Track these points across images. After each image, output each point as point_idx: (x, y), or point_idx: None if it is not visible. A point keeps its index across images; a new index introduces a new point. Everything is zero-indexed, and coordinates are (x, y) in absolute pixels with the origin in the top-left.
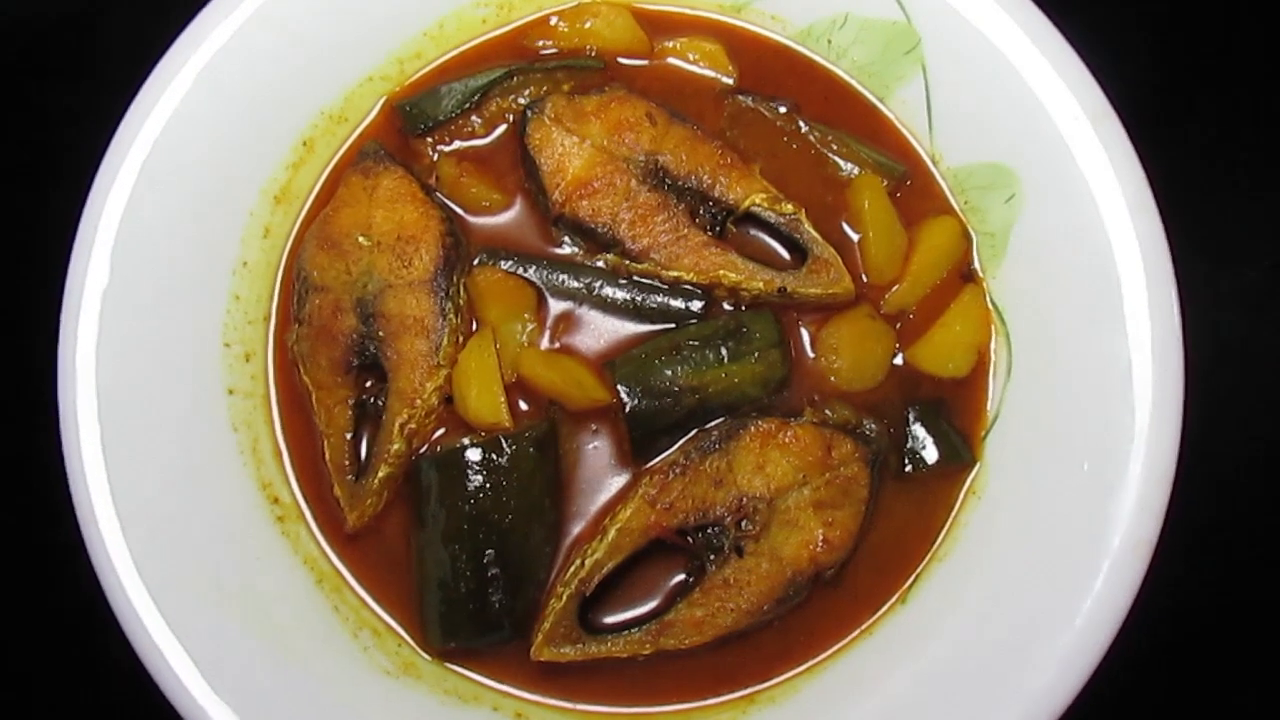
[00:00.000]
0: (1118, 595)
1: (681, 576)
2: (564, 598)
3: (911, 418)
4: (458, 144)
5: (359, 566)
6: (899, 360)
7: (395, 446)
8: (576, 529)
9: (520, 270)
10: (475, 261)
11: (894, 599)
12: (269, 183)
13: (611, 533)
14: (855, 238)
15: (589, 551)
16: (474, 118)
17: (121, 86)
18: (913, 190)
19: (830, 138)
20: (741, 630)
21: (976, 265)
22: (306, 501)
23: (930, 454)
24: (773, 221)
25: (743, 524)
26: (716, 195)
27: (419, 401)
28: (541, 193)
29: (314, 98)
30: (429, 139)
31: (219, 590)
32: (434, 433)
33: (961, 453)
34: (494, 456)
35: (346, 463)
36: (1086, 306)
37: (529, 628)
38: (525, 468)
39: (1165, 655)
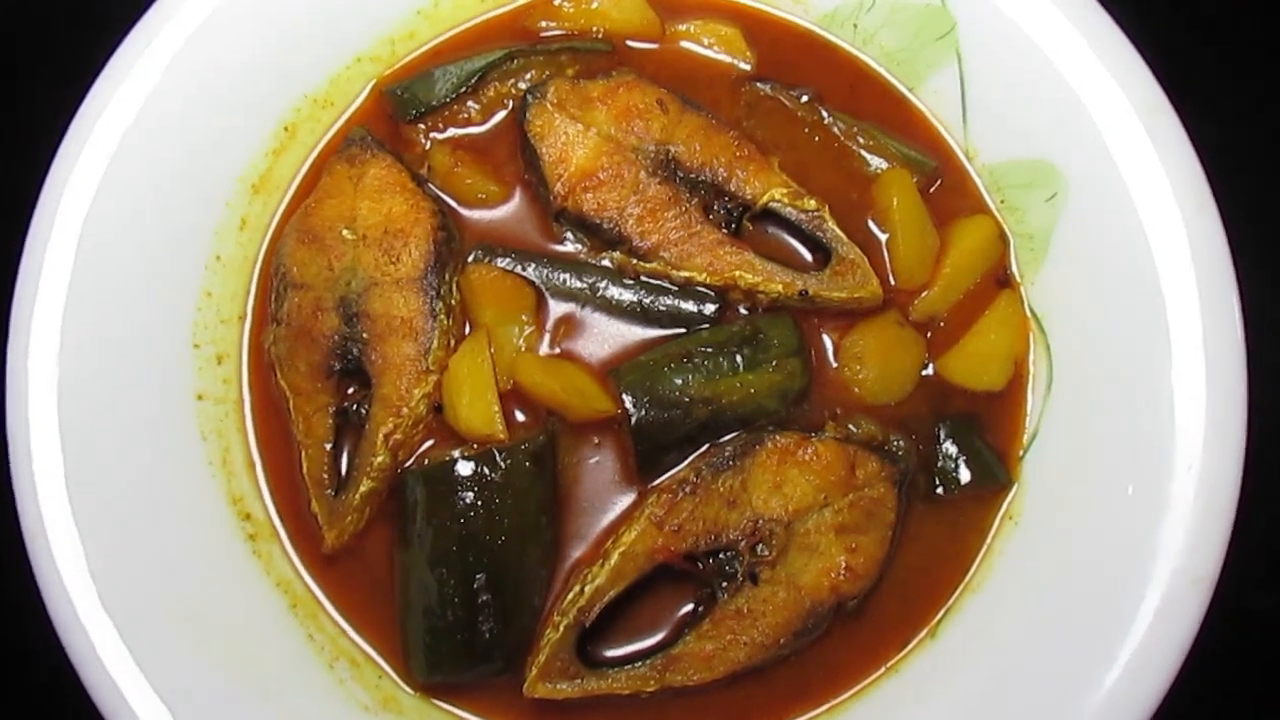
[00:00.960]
0: (1171, 635)
1: (690, 606)
2: (561, 628)
3: (942, 434)
4: (452, 131)
5: (337, 590)
6: (929, 371)
7: (379, 459)
8: (576, 552)
9: (518, 268)
10: (469, 258)
11: (922, 633)
12: (246, 171)
13: (614, 557)
14: (882, 238)
15: (589, 577)
16: (470, 103)
17: (86, 67)
18: (945, 188)
19: (855, 130)
20: (755, 665)
21: (1014, 269)
22: (281, 518)
23: (962, 474)
24: (793, 219)
25: (758, 549)
26: (732, 189)
27: (405, 410)
28: (542, 184)
29: (297, 80)
30: (421, 126)
31: (182, 616)
32: (421, 444)
33: (997, 473)
34: (486, 471)
35: (325, 476)
36: (1135, 316)
37: (522, 660)
38: (520, 484)
39: (1230, 703)
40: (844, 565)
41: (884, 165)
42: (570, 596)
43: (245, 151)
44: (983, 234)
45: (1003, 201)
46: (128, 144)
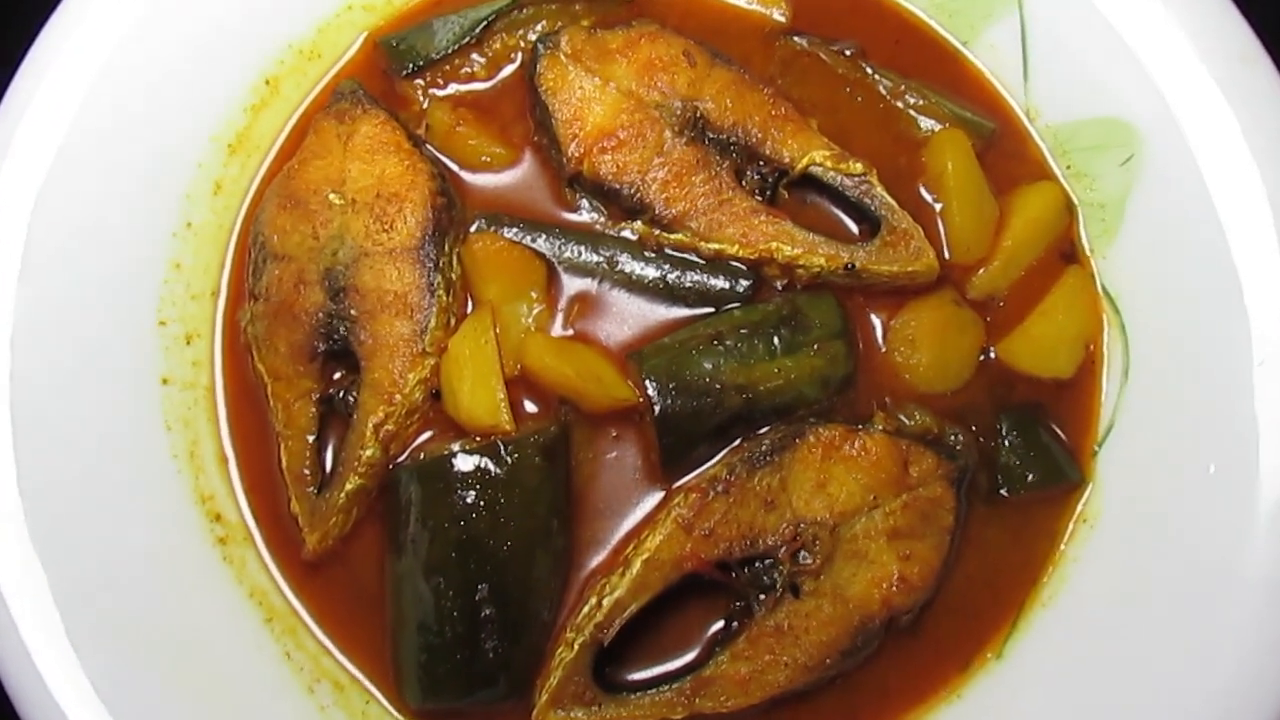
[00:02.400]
0: (1275, 657)
1: (722, 622)
2: (576, 646)
3: (1005, 427)
4: (454, 88)
5: (319, 602)
6: (989, 356)
7: (368, 452)
8: (592, 560)
9: (527, 239)
10: (472, 227)
11: (986, 652)
12: (223, 128)
13: (636, 565)
14: (935, 208)
15: (607, 588)
16: (474, 56)
17: (39, 4)
18: (1004, 152)
19: (903, 88)
20: (797, 689)
21: (1083, 242)
22: (256, 520)
23: (1029, 472)
24: (837, 185)
25: (799, 556)
26: (768, 152)
27: (399, 397)
28: (555, 146)
29: (280, 29)
30: (419, 81)
31: (140, 631)
32: (417, 436)
33: (1068, 471)
34: (490, 467)
35: (307, 472)
36: (1223, 294)
37: (530, 684)
38: (529, 482)
39: None
40: (897, 575)
41: (936, 127)
42: (586, 610)
43: (221, 106)
44: (1047, 203)
45: (1069, 167)
46: (86, 95)
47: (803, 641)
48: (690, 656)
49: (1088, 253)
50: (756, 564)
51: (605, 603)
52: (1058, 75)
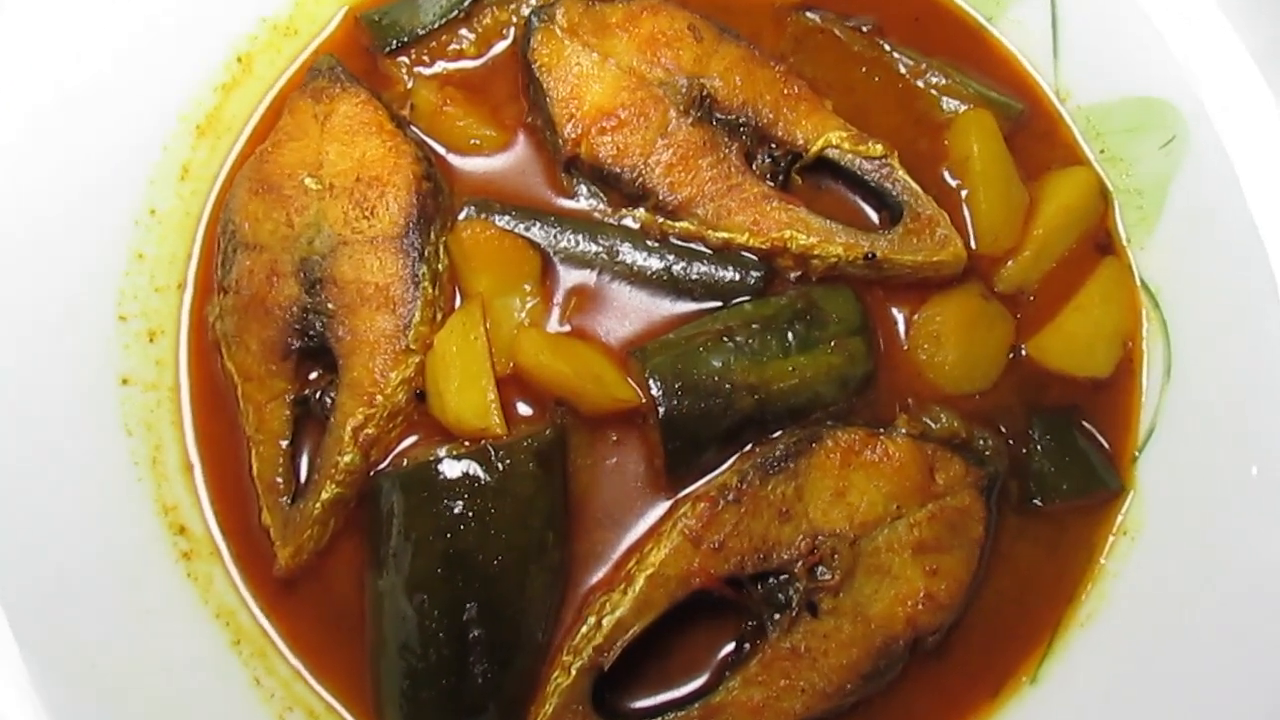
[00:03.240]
0: None
1: (733, 644)
2: (573, 670)
3: (1038, 431)
4: (441, 65)
5: (292, 623)
6: (1020, 354)
7: (346, 458)
8: (591, 576)
9: (520, 228)
10: (461, 215)
11: (1019, 676)
12: (191, 108)
13: (639, 581)
14: (960, 195)
15: (608, 607)
16: (463, 31)
17: None
18: (1032, 135)
19: (924, 67)
20: (815, 717)
21: (1120, 231)
22: (223, 533)
23: (1064, 480)
24: (855, 168)
25: (817, 571)
26: (780, 134)
27: (380, 398)
28: (550, 127)
29: (254, 2)
30: (404, 59)
31: (96, 654)
32: (399, 441)
33: (1106, 478)
34: (480, 474)
35: (280, 480)
36: (1272, 286)
37: (522, 712)
38: (522, 490)
39: None
40: (922, 592)
41: (960, 108)
42: (584, 631)
43: (189, 85)
44: (1080, 189)
45: (1103, 151)
46: (42, 71)
47: (821, 665)
48: (699, 682)
49: (1124, 243)
50: (770, 580)
51: (605, 623)
52: (1090, 52)
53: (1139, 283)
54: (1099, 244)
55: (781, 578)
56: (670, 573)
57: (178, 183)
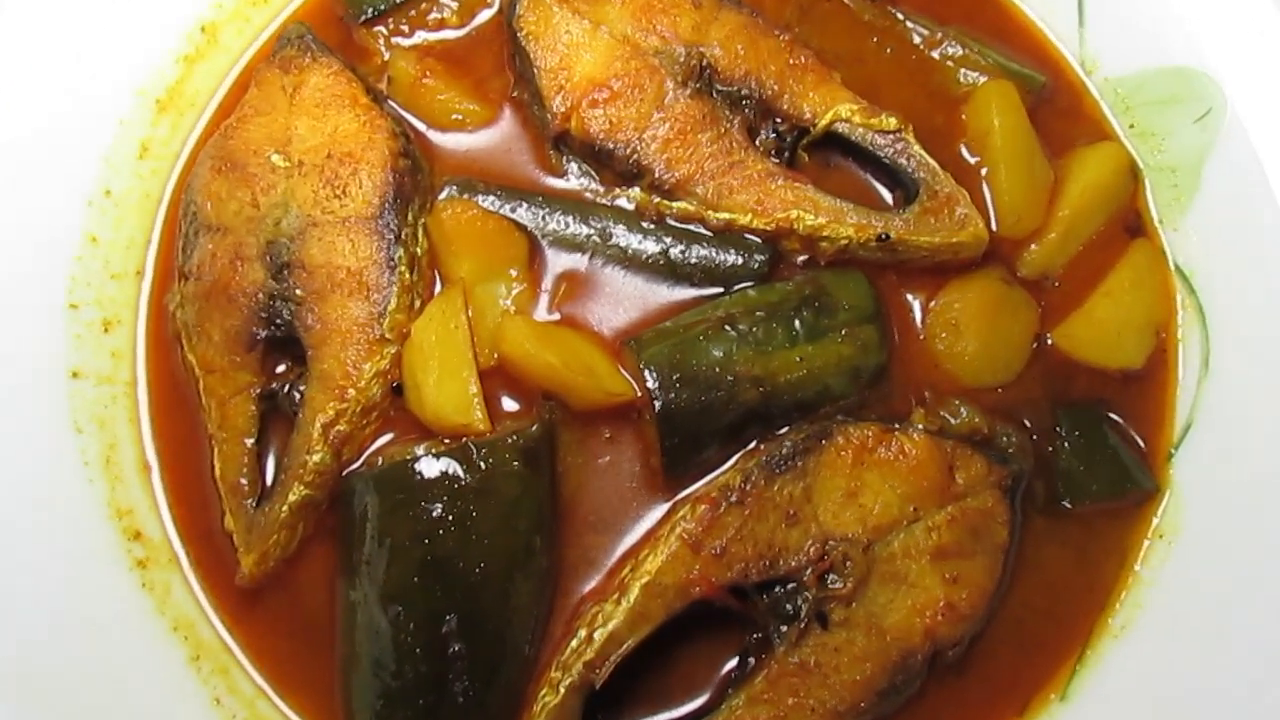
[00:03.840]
0: None
1: (736, 659)
2: (562, 689)
3: (1065, 426)
4: (421, 36)
5: (256, 637)
6: (1045, 344)
7: (316, 457)
8: (582, 584)
9: (505, 209)
10: (441, 195)
11: (1047, 692)
12: (149, 81)
13: (634, 591)
14: (980, 174)
15: (600, 618)
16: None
17: None
18: (1055, 109)
19: (940, 37)
20: None
21: (1151, 212)
22: (182, 538)
23: (1094, 479)
24: (866, 144)
25: (828, 579)
26: (785, 107)
27: (352, 392)
28: (537, 101)
29: None
30: (380, 29)
31: (43, 670)
32: (374, 439)
33: (1139, 478)
34: (461, 473)
35: (245, 481)
36: None
37: None
38: (507, 491)
39: None
40: (942, 601)
41: (978, 80)
42: (574, 645)
43: (148, 56)
44: (1108, 166)
45: (1133, 126)
46: None
47: (832, 681)
48: (699, 701)
49: (1156, 224)
50: (777, 589)
51: (597, 636)
52: (1118, 19)
53: (1172, 267)
54: (1129, 225)
55: (789, 586)
56: (668, 581)
57: (136, 161)
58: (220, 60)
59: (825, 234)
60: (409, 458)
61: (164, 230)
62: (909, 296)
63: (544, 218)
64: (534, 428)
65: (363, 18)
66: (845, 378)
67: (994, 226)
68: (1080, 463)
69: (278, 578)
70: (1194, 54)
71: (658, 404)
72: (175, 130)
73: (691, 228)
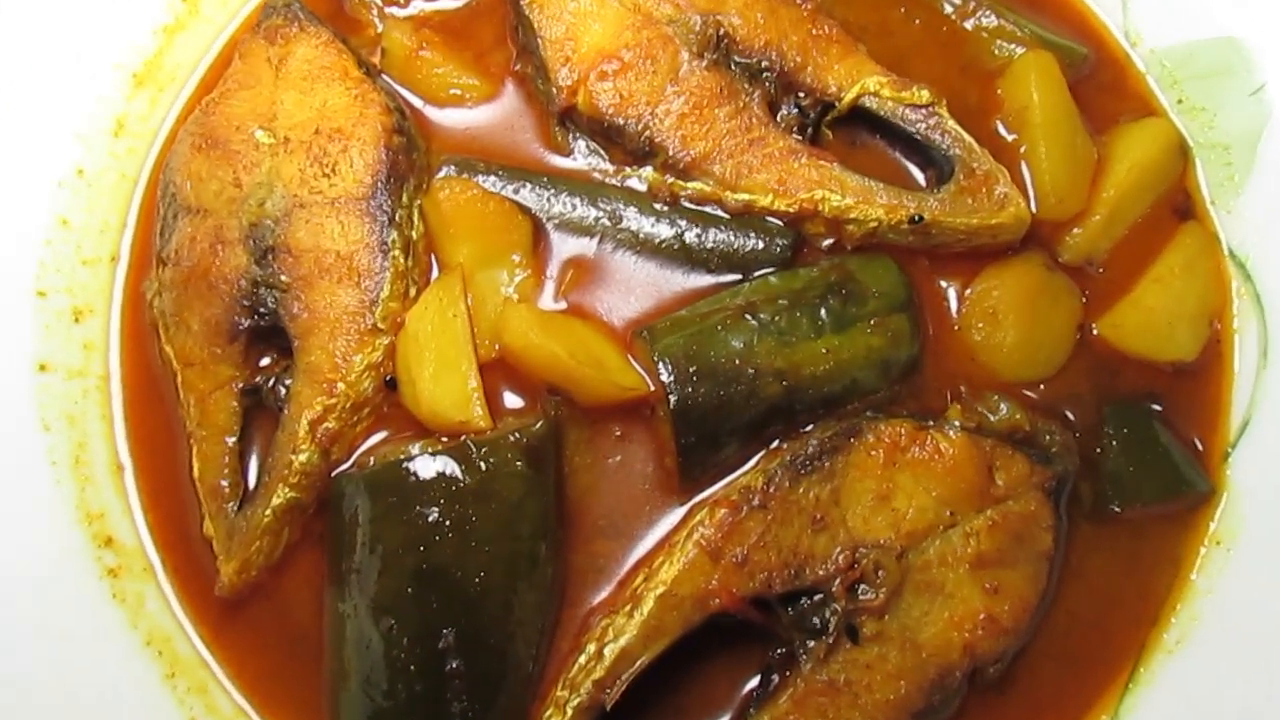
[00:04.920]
0: None
1: (759, 677)
2: (569, 709)
3: (1113, 424)
4: (417, 5)
5: (237, 652)
6: (1090, 334)
7: (303, 457)
8: (591, 595)
9: (508, 189)
10: (439, 174)
11: (1097, 713)
12: (127, 53)
13: (648, 602)
14: (1018, 152)
15: (611, 633)
16: None
17: None
18: (1097, 84)
19: (973, 6)
20: None
21: (1203, 192)
22: (158, 545)
23: (1144, 481)
24: (897, 119)
25: (858, 590)
26: (808, 80)
27: (342, 386)
28: (542, 74)
29: None
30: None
31: (6, 688)
32: (366, 437)
33: (1192, 479)
34: (459, 474)
35: (225, 483)
36: None
37: None
38: (508, 494)
39: None
40: (982, 613)
41: (1016, 52)
42: (582, 661)
43: (124, 27)
44: (1156, 144)
45: (1181, 100)
46: None
47: (863, 701)
48: None
49: (1208, 205)
50: (803, 600)
51: (608, 652)
52: None
53: (1226, 251)
54: (1178, 207)
55: (816, 598)
56: (684, 592)
57: (111, 139)
58: (202, 31)
59: (853, 216)
60: (403, 458)
61: (141, 213)
62: (943, 283)
63: (549, 199)
64: (538, 425)
65: None
66: (875, 371)
67: (1033, 208)
68: (1129, 463)
69: (261, 588)
70: (1247, 24)
71: (673, 399)
72: (153, 106)
73: (708, 210)
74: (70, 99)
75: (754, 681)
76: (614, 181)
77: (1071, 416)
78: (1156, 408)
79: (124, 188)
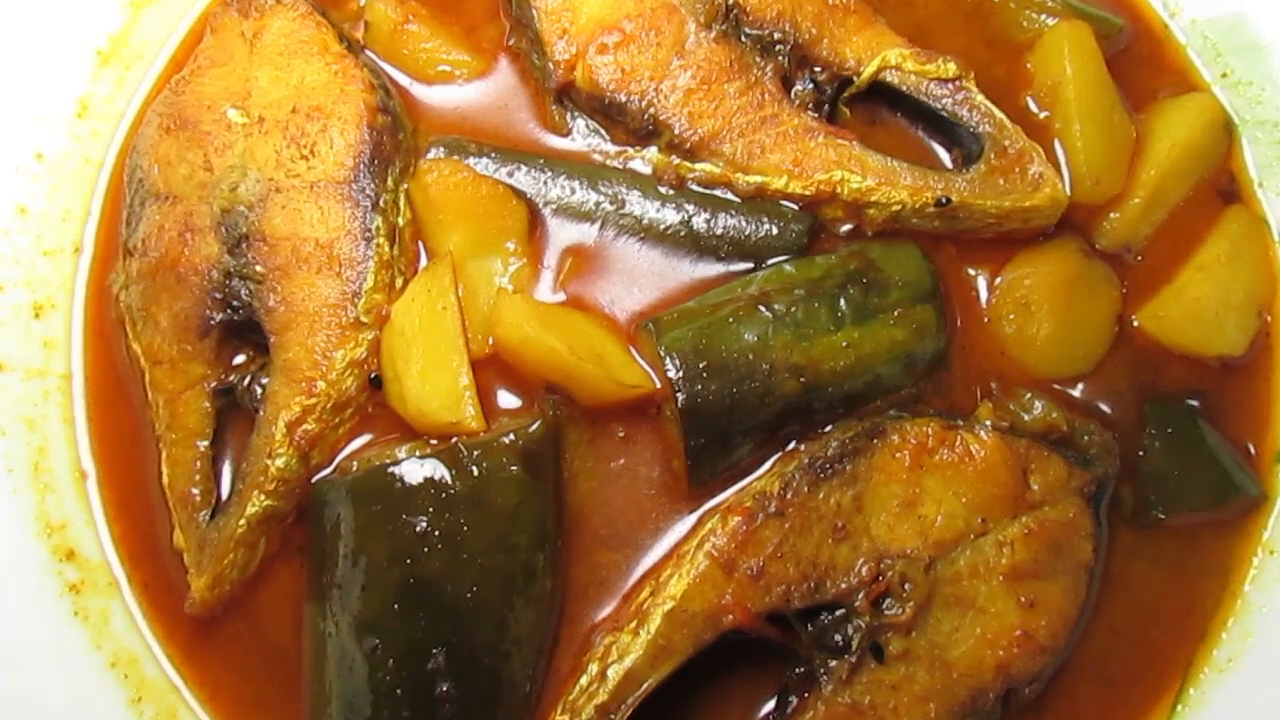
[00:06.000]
0: None
1: (775, 699)
2: None
3: (1155, 423)
4: None
5: (209, 674)
6: (1130, 326)
7: (280, 462)
8: (593, 611)
9: (501, 172)
10: (427, 155)
11: None
12: (90, 29)
13: (655, 619)
14: (1051, 129)
15: (615, 652)
16: None
17: None
18: (1134, 57)
19: None
20: None
21: (1250, 173)
22: (123, 559)
23: (1190, 485)
24: (921, 94)
25: (883, 604)
26: (824, 54)
27: (322, 384)
28: (537, 48)
29: None
30: None
31: None
32: (348, 440)
33: (1242, 483)
34: (449, 480)
35: (197, 491)
36: None
37: None
38: (503, 501)
39: None
40: (1017, 630)
41: (1049, 23)
42: (584, 684)
43: (88, 2)
44: (1198, 121)
45: (1225, 75)
46: None
47: None
48: None
49: (1255, 187)
50: (823, 616)
51: (612, 673)
52: None
53: (1275, 236)
54: (1222, 189)
55: (837, 613)
56: (695, 608)
57: (74, 121)
58: (172, 5)
59: (874, 198)
60: (389, 462)
61: (106, 200)
62: (971, 272)
63: (546, 183)
64: (535, 426)
65: None
66: (898, 366)
67: (1068, 191)
68: (1173, 466)
69: (235, 604)
70: None
71: (681, 397)
72: (119, 86)
73: (717, 193)
74: (28, 78)
75: (770, 705)
76: (616, 163)
77: (1110, 415)
78: (1200, 405)
79: (87, 173)
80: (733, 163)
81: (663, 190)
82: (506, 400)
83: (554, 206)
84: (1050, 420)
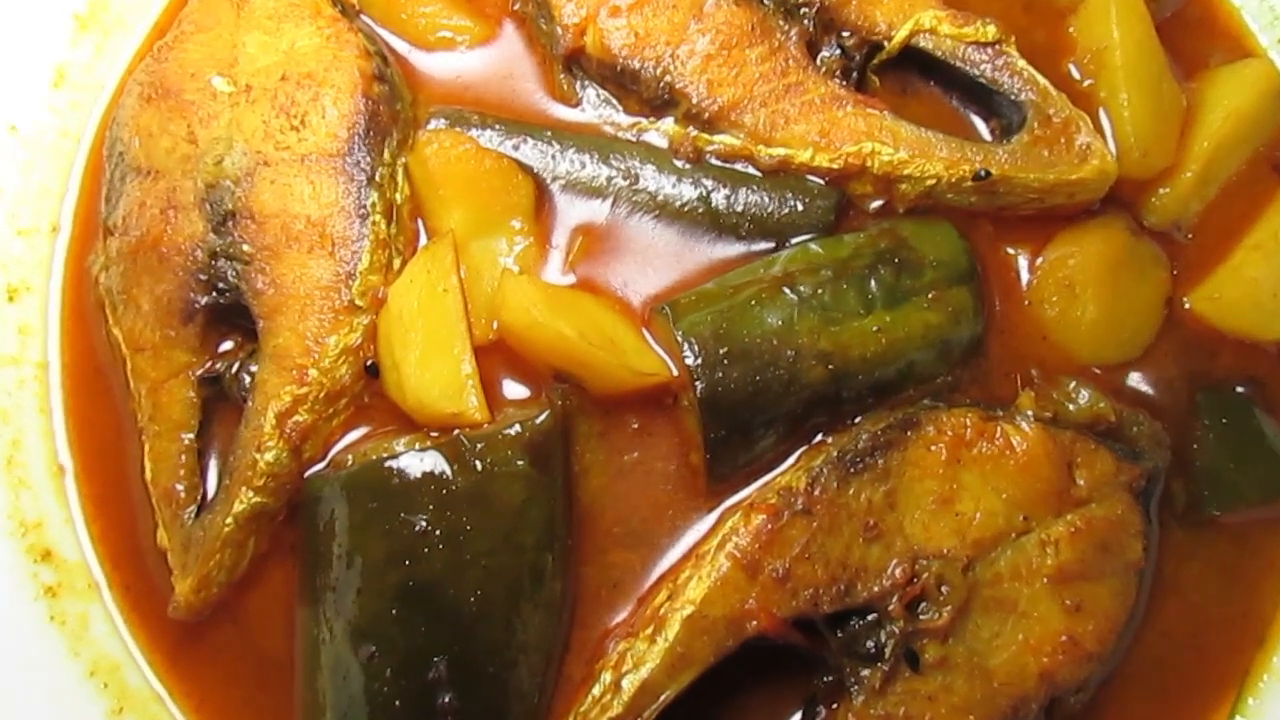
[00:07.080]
0: None
1: (803, 709)
2: None
3: (1208, 413)
4: None
5: (195, 682)
6: (1181, 309)
7: (270, 455)
8: (607, 617)
9: (506, 145)
10: (427, 127)
11: None
12: None
13: (673, 625)
14: (1096, 98)
15: (630, 660)
16: None
17: None
18: (1184, 21)
19: None
20: None
21: None
22: (103, 560)
23: (1246, 480)
24: (957, 60)
25: (918, 608)
26: (852, 17)
27: (314, 373)
28: (544, 12)
29: None
30: None
31: None
32: (343, 432)
33: None
34: (451, 475)
35: (181, 487)
36: None
37: None
38: (509, 498)
39: None
40: (1062, 635)
41: None
42: (596, 694)
43: None
44: (1254, 89)
45: None
46: None
47: None
48: None
49: None
50: (854, 621)
51: (627, 684)
52: None
53: None
54: (1279, 163)
55: (869, 618)
56: (716, 613)
57: (50, 91)
58: None
59: (907, 172)
60: (386, 456)
61: (85, 176)
62: (1010, 251)
63: (554, 157)
64: (543, 417)
65: None
66: (933, 352)
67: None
68: (1228, 458)
69: (223, 608)
70: None
71: (699, 386)
72: (100, 54)
73: (738, 168)
74: (1, 45)
75: (797, 717)
76: (629, 136)
77: (1160, 404)
78: (1257, 393)
79: (65, 147)
80: (754, 134)
81: (679, 164)
82: (512, 390)
83: (563, 182)
84: (1097, 410)
